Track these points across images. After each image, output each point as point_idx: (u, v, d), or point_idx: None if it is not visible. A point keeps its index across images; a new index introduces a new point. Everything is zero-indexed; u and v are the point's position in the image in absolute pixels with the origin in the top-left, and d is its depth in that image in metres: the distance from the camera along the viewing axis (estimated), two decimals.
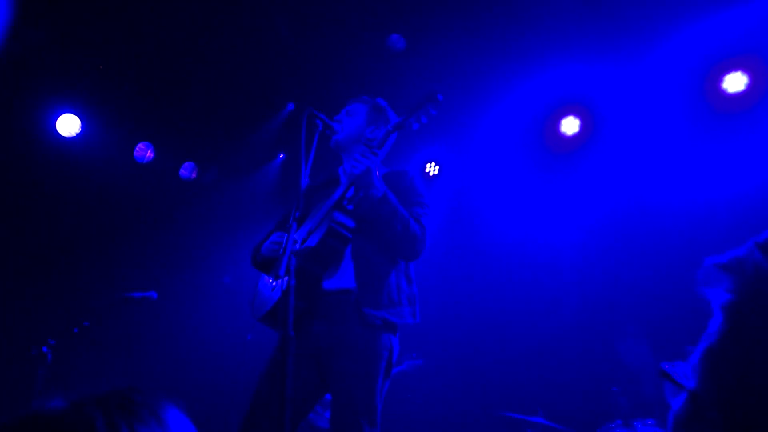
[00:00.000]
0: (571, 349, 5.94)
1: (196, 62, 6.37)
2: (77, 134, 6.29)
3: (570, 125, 6.35)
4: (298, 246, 2.65)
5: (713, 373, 1.19)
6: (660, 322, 5.38)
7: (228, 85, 6.63)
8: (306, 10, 6.05)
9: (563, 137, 6.38)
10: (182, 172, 7.07)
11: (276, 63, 6.57)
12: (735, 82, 5.50)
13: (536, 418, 5.23)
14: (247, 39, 6.23)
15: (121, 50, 6.09)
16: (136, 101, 6.49)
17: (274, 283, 3.01)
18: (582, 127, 6.31)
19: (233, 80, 6.62)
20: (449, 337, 6.43)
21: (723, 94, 5.54)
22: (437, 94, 3.00)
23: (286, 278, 2.48)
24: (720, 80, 5.55)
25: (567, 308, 6.11)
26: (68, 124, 6.26)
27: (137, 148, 6.67)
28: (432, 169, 7.04)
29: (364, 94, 3.49)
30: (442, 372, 6.28)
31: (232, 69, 6.50)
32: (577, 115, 6.33)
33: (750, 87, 5.47)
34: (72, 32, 5.88)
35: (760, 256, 1.26)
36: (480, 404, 6.22)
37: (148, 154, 6.73)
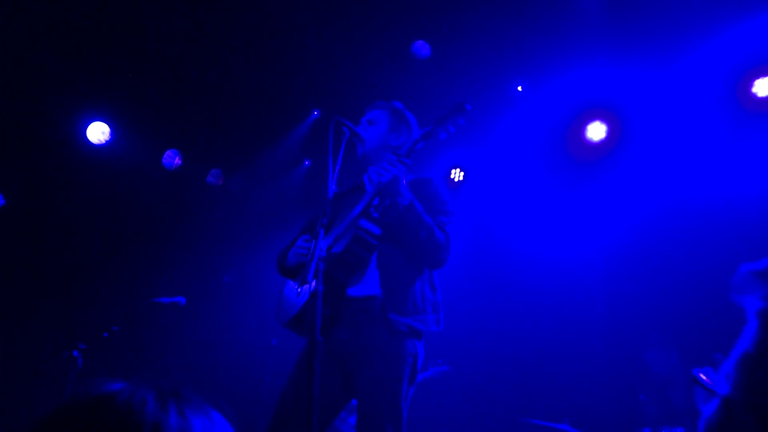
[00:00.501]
0: (598, 357, 5.90)
1: (223, 70, 6.44)
2: (107, 141, 6.38)
3: (596, 131, 6.31)
4: (324, 252, 2.67)
5: (748, 379, 1.20)
6: (688, 331, 5.33)
7: (254, 92, 6.69)
8: (332, 17, 6.10)
9: (589, 143, 6.34)
10: (209, 178, 7.14)
11: (302, 70, 6.62)
12: (766, 86, 5.45)
13: (562, 425, 5.19)
14: (274, 46, 6.29)
15: (150, 58, 6.17)
16: (165, 109, 6.57)
17: (299, 289, 3.03)
18: (609, 132, 6.27)
19: (259, 87, 6.68)
20: (475, 343, 6.41)
21: (754, 98, 5.49)
22: (466, 104, 3.02)
23: (313, 283, 2.50)
24: (751, 85, 5.49)
25: (594, 315, 6.06)
26: (98, 132, 6.35)
27: (165, 155, 6.75)
28: (457, 174, 7.03)
29: (380, 100, 3.50)
30: (468, 378, 6.26)
31: (259, 76, 6.56)
32: (603, 120, 6.29)
33: None
34: (102, 40, 5.98)
35: None
36: (506, 411, 6.19)
37: (176, 161, 6.80)
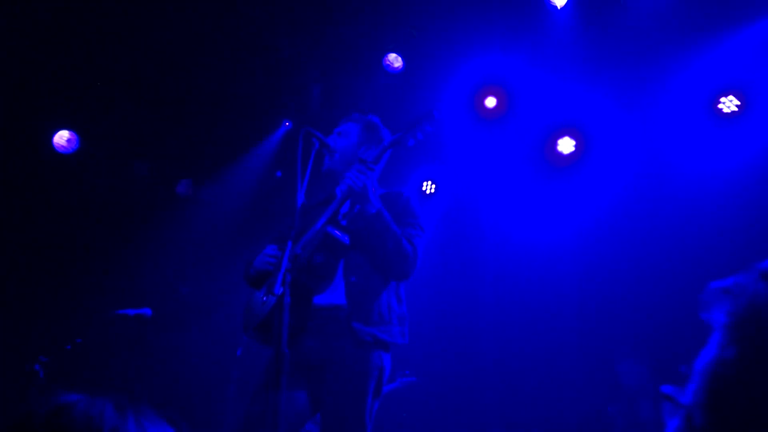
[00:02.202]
0: (567, 368, 5.92)
1: (193, 79, 6.39)
2: (72, 149, 6.29)
3: (566, 145, 6.37)
4: (291, 262, 2.64)
5: (710, 390, 1.22)
6: (659, 343, 5.38)
7: (226, 102, 6.65)
8: (305, 28, 6.09)
9: (560, 156, 6.40)
10: (179, 188, 7.06)
11: (274, 81, 6.60)
12: (730, 104, 5.59)
13: None
14: (246, 56, 6.26)
15: (118, 66, 6.10)
16: (134, 117, 6.50)
17: (265, 298, 2.99)
18: (578, 147, 6.33)
19: (231, 97, 6.64)
20: (444, 355, 6.40)
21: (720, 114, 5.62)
22: (434, 112, 3.02)
23: (280, 293, 2.47)
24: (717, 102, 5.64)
25: (564, 327, 6.09)
26: (63, 139, 6.26)
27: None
28: (429, 187, 7.04)
29: (355, 112, 3.48)
30: (436, 390, 6.24)
31: (230, 86, 6.52)
32: (573, 136, 6.35)
33: (742, 109, 5.55)
34: (70, 48, 5.90)
35: (763, 284, 1.29)
36: (474, 422, 6.18)
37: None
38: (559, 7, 5.76)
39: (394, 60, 6.25)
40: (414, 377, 5.48)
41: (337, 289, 2.97)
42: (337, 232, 2.93)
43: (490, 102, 6.32)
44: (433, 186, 7.04)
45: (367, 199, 2.92)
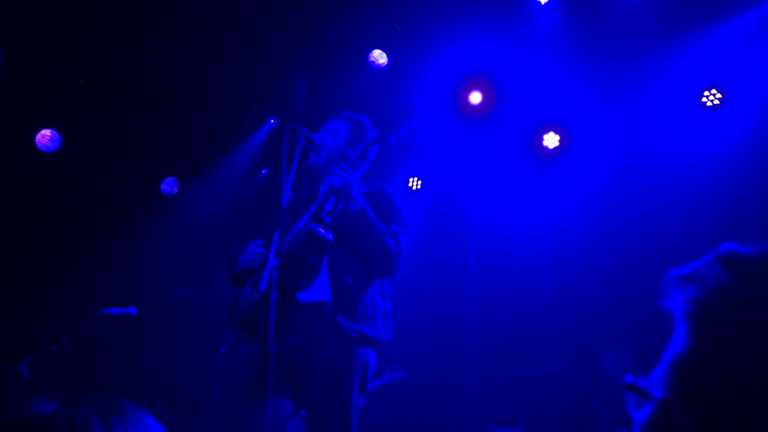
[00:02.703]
0: (553, 362, 5.95)
1: (178, 77, 6.36)
2: (55, 148, 6.24)
3: (551, 140, 6.39)
4: (276, 260, 2.64)
5: (682, 382, 1.22)
6: (643, 336, 5.41)
7: (210, 100, 6.62)
8: (289, 25, 6.07)
9: (545, 150, 6.43)
10: (163, 187, 7.03)
11: (259, 78, 6.58)
12: (713, 98, 5.65)
13: (518, 431, 5.23)
14: (230, 54, 6.24)
15: (101, 64, 6.06)
16: (117, 116, 6.45)
17: (249, 296, 2.98)
18: (563, 141, 6.36)
19: (216, 95, 6.61)
20: (431, 350, 6.41)
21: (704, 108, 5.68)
22: (416, 108, 3.03)
23: (265, 293, 2.46)
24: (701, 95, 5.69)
25: (549, 321, 6.12)
26: (47, 138, 6.21)
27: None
28: (414, 183, 7.05)
29: (344, 110, 3.48)
30: (425, 385, 6.26)
31: (215, 84, 6.50)
32: (557, 130, 6.38)
33: (723, 101, 5.61)
34: (52, 47, 5.85)
35: (721, 269, 1.31)
36: (461, 418, 6.20)
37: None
38: (543, 3, 5.79)
39: (379, 56, 6.25)
40: (403, 372, 5.50)
41: (322, 286, 2.98)
42: (321, 229, 2.93)
43: (475, 98, 6.33)
44: (419, 182, 7.06)
45: (350, 196, 2.93)
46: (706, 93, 5.68)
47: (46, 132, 6.25)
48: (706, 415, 1.10)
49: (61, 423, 0.84)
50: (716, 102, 5.64)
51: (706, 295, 1.25)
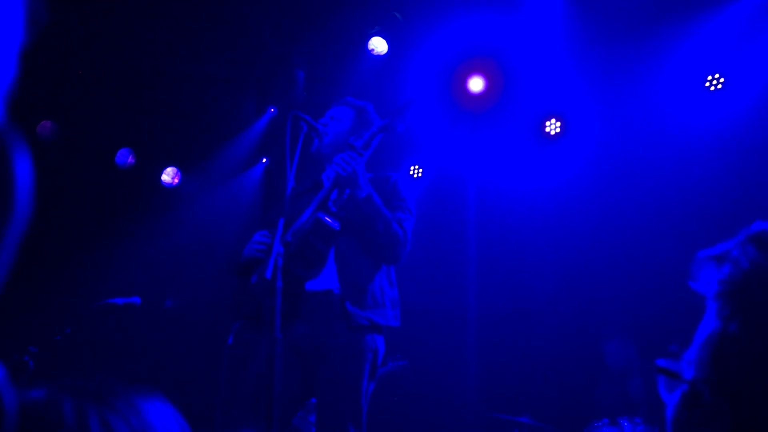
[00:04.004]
0: (557, 349, 5.96)
1: (177, 66, 6.33)
2: (56, 139, 6.22)
3: (552, 126, 6.38)
4: (282, 248, 2.63)
5: (715, 361, 1.21)
6: (645, 323, 5.42)
7: (210, 89, 6.59)
8: (288, 13, 6.04)
9: (547, 136, 6.41)
10: (164, 177, 7.01)
11: (258, 67, 6.55)
12: (715, 81, 5.62)
13: (523, 418, 5.24)
14: (229, 42, 6.20)
15: (100, 54, 6.03)
16: (116, 106, 6.43)
17: (256, 285, 2.98)
18: (563, 127, 6.34)
19: (215, 84, 6.58)
20: (434, 338, 6.42)
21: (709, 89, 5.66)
22: (420, 95, 3.02)
23: (271, 281, 2.46)
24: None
25: (552, 308, 6.12)
26: (47, 130, 6.19)
27: (119, 154, 6.61)
28: (416, 172, 7.04)
29: (349, 96, 3.46)
30: (428, 373, 6.26)
31: (214, 72, 6.47)
32: (558, 118, 6.36)
33: (725, 84, 5.58)
34: (50, 37, 5.81)
35: (752, 248, 1.29)
36: (466, 405, 6.22)
37: (129, 160, 6.66)
38: None
39: (379, 44, 6.21)
40: (405, 360, 5.50)
41: (329, 275, 2.97)
42: (327, 218, 2.93)
43: (477, 83, 6.30)
44: (421, 170, 7.04)
45: (356, 184, 2.92)
46: (710, 78, 5.65)
47: (45, 123, 6.23)
48: (738, 394, 1.09)
49: (35, 409, 0.80)
50: (719, 86, 5.62)
51: (738, 275, 1.24)
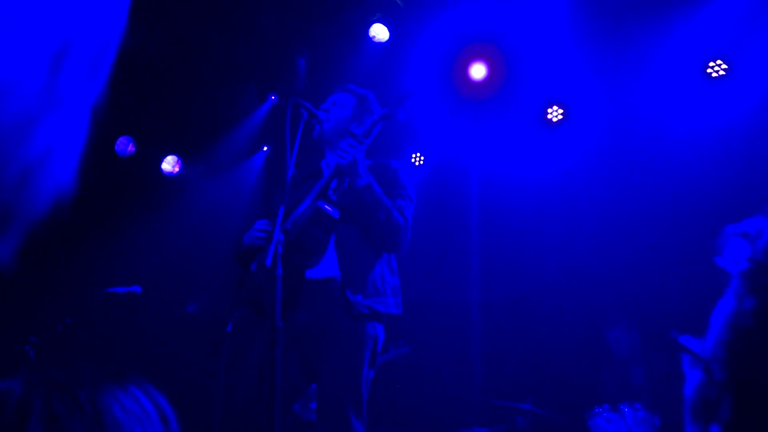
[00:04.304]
0: (559, 336, 5.96)
1: (177, 54, 6.29)
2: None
3: (554, 112, 6.35)
4: (282, 236, 2.62)
5: (727, 342, 1.19)
6: (648, 310, 5.42)
7: (211, 77, 6.56)
8: (289, 1, 6.00)
9: (549, 123, 6.38)
10: (164, 166, 6.99)
11: (260, 55, 6.51)
12: (718, 68, 5.58)
13: (525, 405, 5.25)
14: (230, 30, 6.17)
15: None
16: (116, 93, 6.39)
17: (256, 273, 2.98)
18: (565, 114, 6.31)
19: (216, 72, 6.55)
20: (436, 325, 6.42)
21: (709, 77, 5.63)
22: (424, 84, 3.00)
23: (271, 268, 2.45)
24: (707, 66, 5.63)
25: (554, 295, 6.12)
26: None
27: (118, 142, 6.58)
28: (418, 159, 7.02)
29: (351, 83, 3.45)
30: (429, 360, 6.27)
31: (215, 61, 6.43)
32: (560, 105, 6.33)
33: (728, 72, 5.55)
34: None
35: None
36: (468, 392, 6.23)
37: (129, 148, 6.64)
38: None
39: (380, 31, 6.16)
40: (407, 347, 5.50)
41: (330, 263, 2.97)
42: (327, 206, 2.92)
43: (479, 70, 6.26)
44: (422, 158, 7.02)
45: (356, 172, 2.92)
46: (711, 63, 5.61)
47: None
48: (744, 374, 1.07)
49: (9, 400, 0.79)
50: (722, 73, 5.58)
51: (762, 251, 1.21)
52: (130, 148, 6.64)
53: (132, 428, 0.83)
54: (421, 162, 7.01)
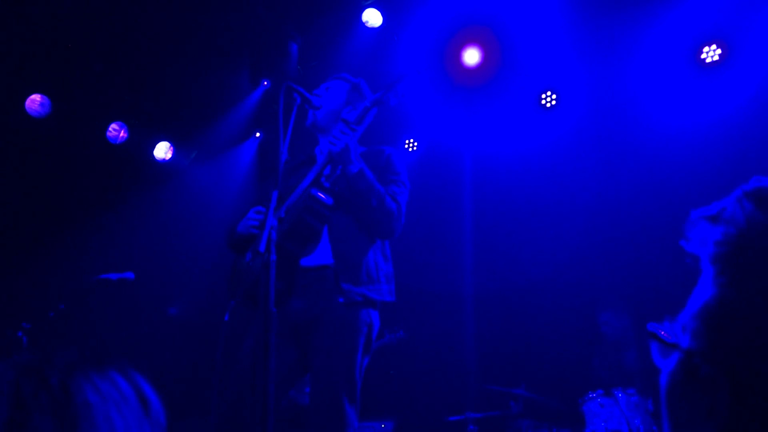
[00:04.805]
0: (551, 321, 5.98)
1: (169, 40, 6.24)
2: (47, 115, 6.14)
3: (548, 99, 6.34)
4: (276, 223, 2.61)
5: (711, 331, 1.16)
6: (640, 293, 5.44)
7: (203, 63, 6.51)
8: None
9: (543, 108, 6.37)
10: (156, 153, 6.95)
11: (252, 40, 6.47)
12: (711, 53, 5.57)
13: (519, 390, 5.27)
14: (223, 15, 6.11)
15: (90, 28, 5.94)
16: (108, 79, 6.35)
17: (251, 261, 2.97)
18: (559, 99, 6.30)
19: (208, 58, 6.50)
20: (430, 310, 6.43)
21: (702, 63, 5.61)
22: (416, 69, 2.99)
23: (265, 254, 2.44)
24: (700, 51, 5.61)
25: (547, 280, 6.13)
26: (39, 105, 6.11)
27: (110, 129, 6.54)
28: (411, 145, 7.00)
29: (343, 71, 3.44)
30: (424, 346, 6.29)
31: (207, 46, 6.38)
32: (553, 90, 6.31)
33: (724, 57, 5.53)
34: (39, 10, 5.72)
35: (750, 206, 1.23)
36: (462, 377, 6.25)
37: (121, 135, 6.60)
38: None
39: (373, 16, 6.12)
40: (402, 332, 5.51)
41: (324, 251, 2.97)
42: (320, 194, 2.91)
43: (472, 56, 6.23)
44: (415, 144, 7.01)
45: (348, 159, 2.90)
46: (705, 48, 5.60)
47: (36, 97, 6.14)
48: (737, 367, 1.04)
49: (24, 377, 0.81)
50: (716, 58, 5.57)
51: (735, 234, 1.18)
52: (122, 134, 6.59)
53: (107, 411, 0.83)
54: (415, 148, 7.00)
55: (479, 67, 6.27)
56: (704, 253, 1.27)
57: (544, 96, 6.33)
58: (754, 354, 1.11)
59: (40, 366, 0.83)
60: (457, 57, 6.24)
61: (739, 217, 1.21)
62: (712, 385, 1.09)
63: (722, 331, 1.16)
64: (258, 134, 7.41)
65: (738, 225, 1.21)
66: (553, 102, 6.29)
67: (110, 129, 6.58)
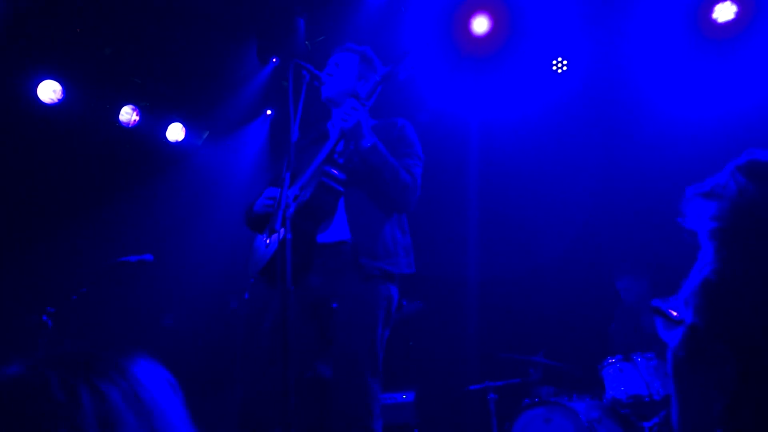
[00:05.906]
0: (569, 288, 5.99)
1: (177, 21, 6.22)
2: (59, 100, 6.16)
3: (560, 65, 6.26)
4: (291, 201, 2.63)
5: (714, 304, 1.16)
6: (659, 258, 5.42)
7: (211, 42, 6.49)
8: None
9: (554, 74, 6.30)
10: (168, 134, 6.97)
11: (259, 16, 6.43)
12: (725, 11, 5.46)
13: (537, 358, 5.30)
14: None
15: (100, 11, 5.93)
16: (117, 63, 6.36)
17: (268, 240, 2.99)
18: (570, 65, 6.22)
19: (216, 37, 6.48)
20: (448, 280, 6.45)
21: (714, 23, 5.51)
22: (424, 41, 2.96)
23: (282, 232, 2.46)
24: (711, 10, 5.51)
25: (566, 247, 6.12)
26: (49, 90, 6.13)
27: (122, 113, 6.56)
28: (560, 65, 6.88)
29: (349, 42, 3.41)
30: (443, 315, 6.33)
31: (214, 26, 6.36)
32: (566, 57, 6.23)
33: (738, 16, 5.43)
34: None
35: (743, 179, 1.23)
36: (481, 346, 6.29)
37: (133, 118, 6.62)
38: None
39: None
40: (420, 302, 5.53)
41: (340, 226, 2.97)
42: (334, 170, 2.92)
43: (480, 25, 6.15)
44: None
45: (360, 134, 2.90)
46: (719, 7, 5.50)
47: (49, 83, 6.16)
48: (740, 340, 1.04)
49: (22, 386, 0.79)
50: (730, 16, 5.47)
51: (729, 209, 1.17)
52: (135, 117, 6.61)
53: (157, 401, 0.84)
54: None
55: (489, 33, 6.20)
56: (701, 229, 1.27)
57: (555, 62, 6.25)
58: (757, 327, 1.10)
59: (85, 360, 0.83)
60: (466, 26, 6.16)
61: (732, 191, 1.21)
62: (718, 360, 1.09)
63: (724, 305, 1.15)
64: (269, 112, 7.40)
65: (732, 198, 1.20)
66: (565, 68, 6.22)
67: (122, 113, 6.60)
